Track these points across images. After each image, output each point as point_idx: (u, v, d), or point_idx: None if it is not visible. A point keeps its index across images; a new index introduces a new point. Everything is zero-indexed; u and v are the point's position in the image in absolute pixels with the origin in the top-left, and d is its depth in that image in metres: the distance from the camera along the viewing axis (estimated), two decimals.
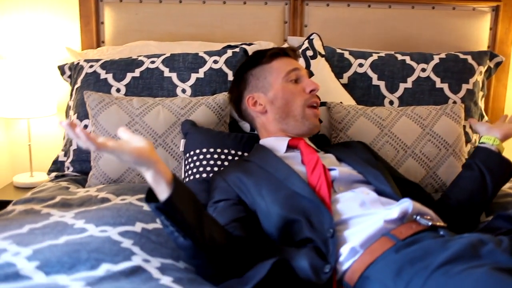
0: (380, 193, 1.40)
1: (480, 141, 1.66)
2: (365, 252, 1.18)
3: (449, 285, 0.97)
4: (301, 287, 1.16)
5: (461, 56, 2.15)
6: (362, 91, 2.09)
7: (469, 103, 2.09)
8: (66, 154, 2.04)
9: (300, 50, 2.06)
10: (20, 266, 1.11)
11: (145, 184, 1.70)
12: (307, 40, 2.10)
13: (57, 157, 2.07)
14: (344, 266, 1.20)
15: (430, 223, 1.22)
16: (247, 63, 1.75)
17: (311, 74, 2.00)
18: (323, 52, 2.09)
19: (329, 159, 1.53)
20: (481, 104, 2.21)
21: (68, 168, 1.99)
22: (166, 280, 1.10)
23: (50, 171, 2.05)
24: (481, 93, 2.20)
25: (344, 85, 2.08)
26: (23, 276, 1.08)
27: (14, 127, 2.60)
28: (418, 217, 1.24)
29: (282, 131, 1.64)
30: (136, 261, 1.15)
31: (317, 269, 1.19)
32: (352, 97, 2.05)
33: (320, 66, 2.03)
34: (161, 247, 1.26)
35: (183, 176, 1.77)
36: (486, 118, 2.22)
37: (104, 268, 1.10)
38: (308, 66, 2.02)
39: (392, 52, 2.19)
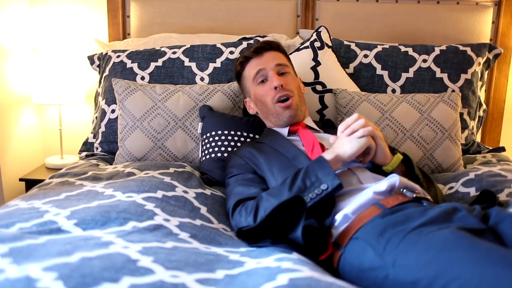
0: (373, 170, 1.57)
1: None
2: (356, 218, 1.35)
3: (420, 242, 1.14)
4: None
5: (461, 48, 2.30)
6: (367, 80, 2.25)
7: (467, 92, 2.24)
8: (95, 136, 2.24)
9: (309, 42, 2.23)
10: (61, 223, 1.30)
11: (165, 162, 1.90)
12: (315, 33, 2.27)
13: (87, 139, 2.28)
14: (338, 230, 1.37)
15: (414, 195, 1.39)
16: (236, 73, 1.95)
17: (318, 64, 2.17)
18: (330, 44, 2.25)
19: (328, 140, 1.70)
20: (480, 93, 2.36)
21: (97, 149, 2.19)
22: (184, 235, 1.29)
23: (81, 151, 2.25)
24: (480, 83, 2.34)
25: (350, 74, 2.24)
26: (64, 231, 1.27)
27: (47, 113, 2.82)
28: (404, 190, 1.41)
29: (275, 124, 1.83)
30: (158, 220, 1.34)
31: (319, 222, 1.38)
32: (357, 85, 2.22)
33: (327, 56, 2.19)
34: (179, 209, 1.46)
35: (200, 156, 1.96)
36: (484, 106, 2.37)
37: (131, 225, 1.29)
38: (315, 56, 2.19)
39: (396, 44, 2.35)
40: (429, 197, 1.46)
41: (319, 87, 2.14)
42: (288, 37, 2.53)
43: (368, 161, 1.57)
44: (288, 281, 0.96)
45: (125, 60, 2.26)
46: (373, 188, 1.42)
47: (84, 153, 2.22)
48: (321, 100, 2.13)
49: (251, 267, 1.11)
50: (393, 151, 1.59)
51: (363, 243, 1.27)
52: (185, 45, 2.31)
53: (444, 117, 2.04)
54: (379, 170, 1.57)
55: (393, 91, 2.23)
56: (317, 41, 2.22)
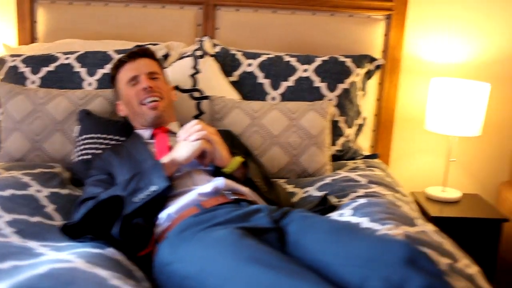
0: (216, 173, 1.69)
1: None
2: (176, 217, 1.47)
3: (203, 240, 1.26)
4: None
5: (341, 58, 2.43)
6: (249, 88, 2.37)
7: (344, 101, 2.37)
8: None
9: (192, 51, 2.35)
10: None
11: (36, 163, 2.00)
12: (199, 42, 2.38)
13: None
14: (160, 229, 1.48)
15: (232, 197, 1.50)
16: (111, 77, 2.07)
17: (197, 71, 2.29)
18: (212, 52, 2.37)
19: None
20: (361, 102, 2.48)
21: None
22: (8, 230, 1.41)
23: None
24: (361, 92, 2.47)
25: (234, 82, 2.36)
26: None
27: None
28: (226, 192, 1.52)
29: (141, 125, 1.94)
30: None
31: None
32: (240, 93, 2.34)
33: (207, 65, 2.31)
34: (22, 207, 1.57)
35: (76, 157, 2.06)
36: (362, 115, 2.49)
37: None
38: (195, 64, 2.31)
39: (282, 54, 2.47)
40: (248, 198, 1.57)
41: (196, 94, 2.26)
42: (185, 45, 2.63)
43: (210, 164, 1.68)
44: (47, 270, 1.07)
45: (19, 64, 2.35)
46: (198, 189, 1.53)
47: None
48: (198, 106, 2.25)
49: (44, 259, 1.22)
50: (233, 155, 1.71)
51: (168, 241, 1.38)
52: (79, 51, 2.40)
53: (312, 124, 2.16)
54: (221, 173, 1.68)
55: (273, 99, 2.35)
56: (199, 50, 2.34)
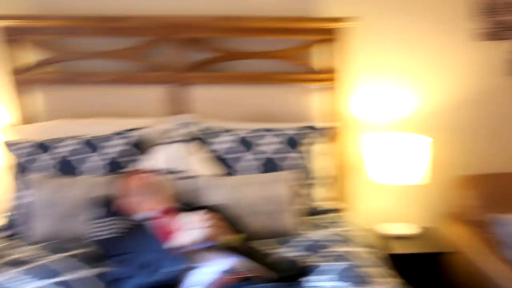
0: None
1: None
2: None
3: None
4: None
5: (290, 132, 2.95)
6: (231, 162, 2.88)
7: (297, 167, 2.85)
8: None
9: (181, 136, 2.89)
10: None
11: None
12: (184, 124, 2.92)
13: None
14: None
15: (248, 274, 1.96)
16: None
17: (187, 155, 2.79)
18: (197, 133, 2.93)
19: None
20: (309, 164, 2.94)
21: None
22: None
23: None
24: (309, 156, 2.95)
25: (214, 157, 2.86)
26: None
27: None
28: (240, 269, 1.98)
29: None
30: None
31: None
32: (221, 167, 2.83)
33: (195, 148, 2.85)
34: None
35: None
36: (312, 175, 2.94)
37: None
38: (186, 148, 2.84)
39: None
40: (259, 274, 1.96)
41: (184, 174, 2.76)
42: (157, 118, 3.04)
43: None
44: None
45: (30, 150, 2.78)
46: (215, 267, 1.93)
47: None
48: (182, 184, 2.73)
49: None
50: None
51: None
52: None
53: (280, 193, 2.66)
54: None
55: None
56: (184, 129, 2.93)
